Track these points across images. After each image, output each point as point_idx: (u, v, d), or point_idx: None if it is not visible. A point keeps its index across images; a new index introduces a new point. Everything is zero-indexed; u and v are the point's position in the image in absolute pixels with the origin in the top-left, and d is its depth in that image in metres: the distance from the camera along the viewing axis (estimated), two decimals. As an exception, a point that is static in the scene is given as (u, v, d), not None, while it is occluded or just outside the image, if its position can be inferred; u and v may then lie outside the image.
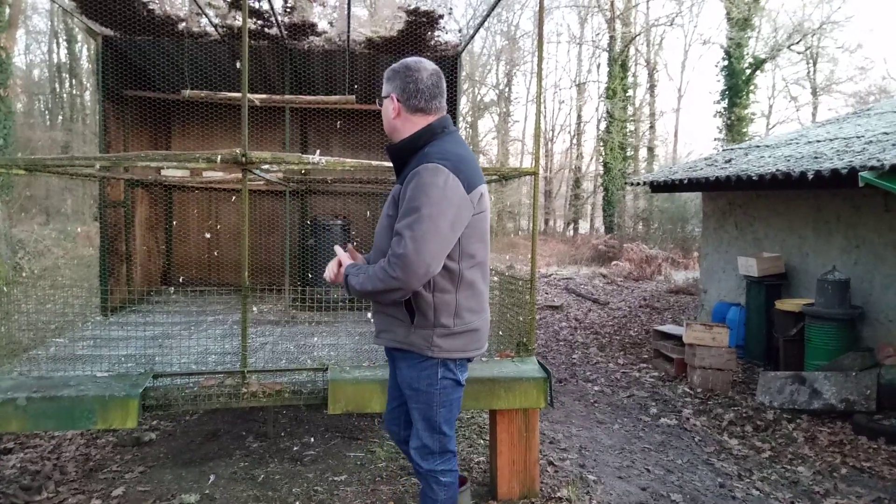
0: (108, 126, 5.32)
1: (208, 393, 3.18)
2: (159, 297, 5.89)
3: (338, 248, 2.52)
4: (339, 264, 2.47)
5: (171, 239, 6.70)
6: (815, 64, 24.55)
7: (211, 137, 6.53)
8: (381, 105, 2.50)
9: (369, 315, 4.81)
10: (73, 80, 22.74)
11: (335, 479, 3.80)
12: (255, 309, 5.30)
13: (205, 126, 6.49)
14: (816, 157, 6.08)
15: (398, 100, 2.40)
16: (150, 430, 4.59)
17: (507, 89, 28.29)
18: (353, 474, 3.87)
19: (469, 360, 2.51)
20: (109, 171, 4.98)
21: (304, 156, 3.10)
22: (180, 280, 6.53)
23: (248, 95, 3.28)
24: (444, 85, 2.47)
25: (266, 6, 4.77)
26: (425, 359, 2.38)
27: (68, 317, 5.02)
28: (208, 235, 6.65)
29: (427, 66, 2.41)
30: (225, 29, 5.11)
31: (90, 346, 4.04)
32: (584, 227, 28.25)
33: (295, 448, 4.29)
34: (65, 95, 23.03)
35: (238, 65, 3.69)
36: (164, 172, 5.84)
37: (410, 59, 2.44)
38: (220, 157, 2.92)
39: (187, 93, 4.90)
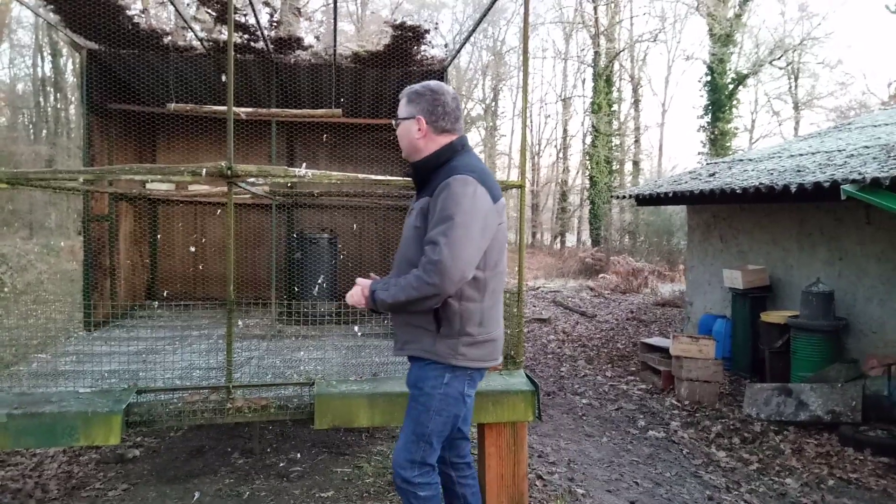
0: (92, 140, 5.28)
1: (193, 408, 3.14)
2: (144, 312, 5.83)
3: (360, 280, 2.57)
4: (361, 289, 2.51)
5: (155, 253, 6.65)
6: (796, 79, 24.93)
7: (196, 151, 6.50)
8: (397, 125, 2.58)
9: (356, 329, 4.80)
10: (58, 94, 22.61)
11: (322, 495, 3.76)
12: (240, 323, 5.25)
13: (190, 140, 6.46)
14: (799, 171, 6.16)
15: (426, 122, 2.50)
16: (133, 446, 4.53)
17: (493, 104, 28.49)
18: (341, 490, 3.83)
19: (483, 372, 2.54)
20: (93, 185, 4.93)
21: (289, 169, 3.09)
22: (164, 295, 6.46)
23: (234, 109, 3.27)
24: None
25: (252, 20, 4.77)
26: (434, 362, 2.43)
27: (51, 332, 4.95)
28: (193, 249, 6.60)
29: (448, 89, 2.57)
30: (211, 43, 5.10)
31: (73, 362, 3.98)
32: (571, 240, 28.37)
33: (281, 464, 4.24)
34: (49, 109, 22.89)
35: (224, 78, 3.68)
36: (148, 186, 5.81)
37: (432, 83, 2.57)
38: (205, 170, 2.90)
39: (172, 106, 4.88)
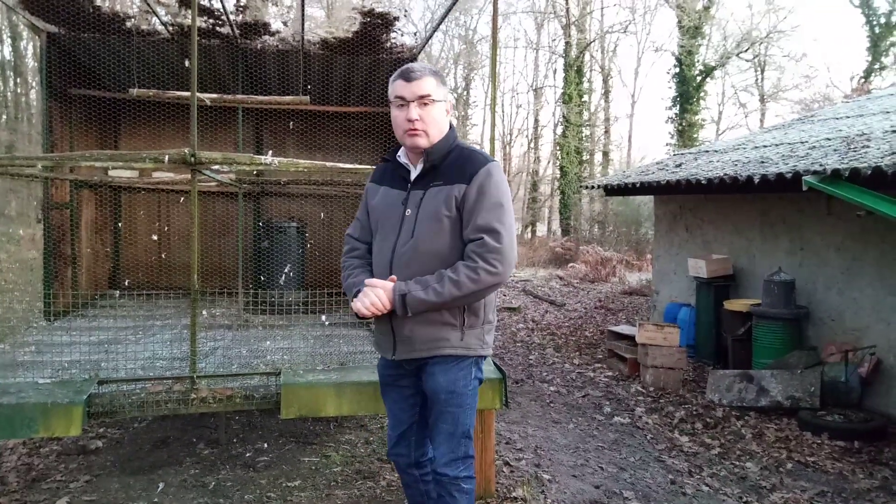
0: (52, 126, 5.15)
1: (156, 399, 3.10)
2: (106, 302, 5.72)
3: (375, 281, 2.31)
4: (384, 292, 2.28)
5: (118, 241, 6.53)
6: (762, 72, 25.32)
7: (160, 138, 6.38)
8: (434, 102, 2.34)
9: (324, 318, 4.77)
10: (18, 79, 21.95)
11: (289, 484, 3.75)
12: (204, 313, 5.19)
13: (154, 126, 6.34)
14: (763, 162, 6.27)
15: (450, 103, 2.45)
16: (96, 437, 4.45)
17: (465, 93, 28.42)
18: (308, 479, 3.82)
19: None
20: (53, 172, 4.82)
21: (255, 156, 3.06)
22: (127, 284, 6.35)
23: (198, 94, 3.22)
24: None
25: (217, 4, 4.69)
26: (460, 359, 2.38)
27: (10, 322, 4.84)
28: (155, 238, 6.49)
29: None
30: (175, 27, 5.00)
31: (33, 353, 3.90)
32: (541, 229, 28.52)
33: (247, 454, 4.22)
34: (9, 94, 22.21)
35: (187, 63, 3.62)
36: (111, 173, 5.69)
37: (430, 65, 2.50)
38: (167, 157, 2.85)
39: (135, 91, 4.79)
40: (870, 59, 18.72)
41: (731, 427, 5.15)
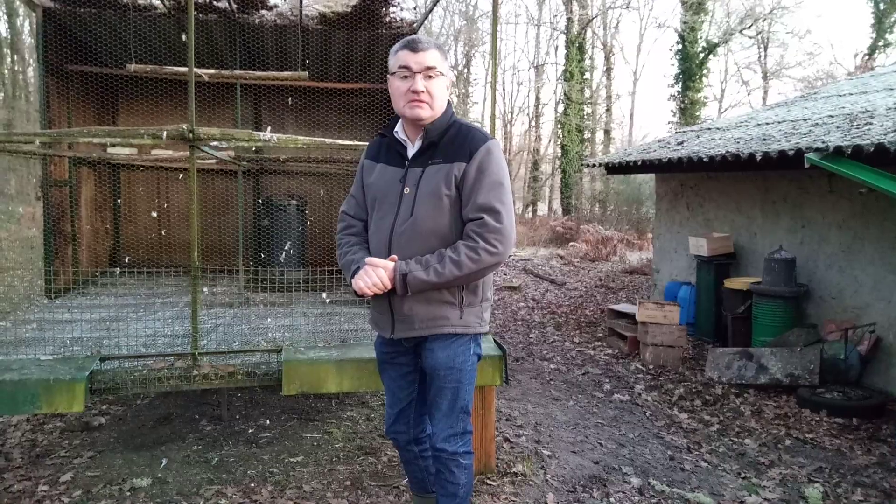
0: (50, 102, 5.11)
1: (158, 375, 3.12)
2: (106, 279, 5.73)
3: (375, 260, 2.28)
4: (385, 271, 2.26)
5: (118, 219, 6.51)
6: (765, 49, 25.12)
7: (159, 114, 6.34)
8: (440, 75, 2.31)
9: (324, 296, 4.78)
10: (15, 56, 21.75)
11: (291, 460, 3.78)
12: (205, 290, 5.19)
13: (153, 102, 6.29)
14: (765, 140, 6.23)
15: (451, 80, 2.42)
16: (99, 414, 4.49)
17: (465, 70, 28.19)
18: (310, 455, 3.85)
19: None
20: (52, 149, 4.79)
21: (254, 133, 3.03)
22: (126, 261, 6.35)
23: (196, 70, 3.18)
24: None
25: (215, -21, 4.63)
26: (459, 336, 2.39)
27: (12, 300, 4.84)
28: (155, 215, 6.47)
29: None
30: (172, 2, 4.94)
31: (34, 330, 3.91)
32: (542, 208, 28.47)
33: (250, 430, 4.25)
34: (6, 72, 22.02)
35: (184, 38, 3.57)
36: (110, 150, 5.66)
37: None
38: (165, 133, 2.83)
39: (132, 67, 4.74)
40: (874, 35, 18.55)
41: (730, 404, 5.18)
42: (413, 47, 2.27)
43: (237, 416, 4.49)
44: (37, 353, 3.22)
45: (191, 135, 2.89)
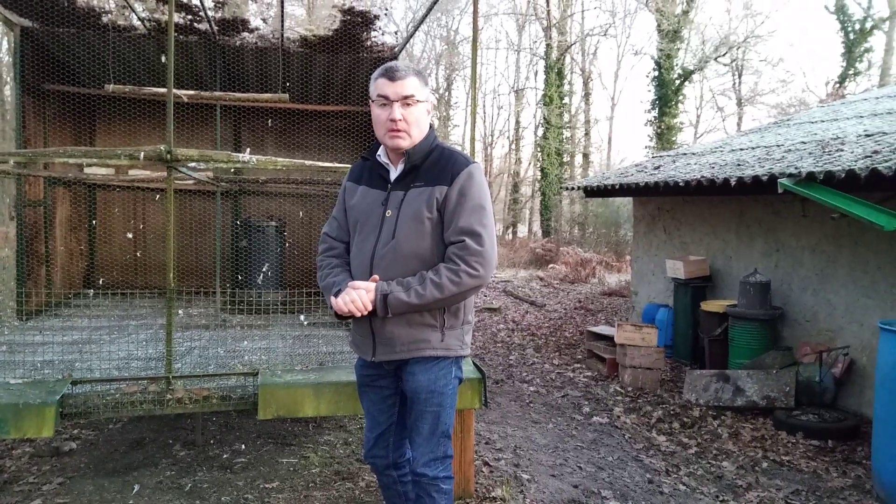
0: (26, 122, 5.05)
1: (131, 399, 3.06)
2: (80, 301, 5.63)
3: (358, 283, 2.27)
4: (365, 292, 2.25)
5: (93, 240, 6.43)
6: (740, 76, 25.61)
7: (137, 135, 6.30)
8: (409, 105, 2.30)
9: (302, 318, 4.74)
10: (-9, 74, 21.54)
11: (266, 486, 3.72)
12: (181, 312, 5.12)
13: (131, 123, 6.25)
14: (739, 165, 6.34)
15: (432, 104, 2.45)
16: (70, 439, 4.38)
17: (447, 94, 28.41)
18: (286, 481, 3.79)
19: None
20: (27, 169, 4.73)
21: (233, 154, 3.03)
22: (101, 283, 6.26)
23: (176, 91, 3.18)
24: None
25: (196, 0, 4.64)
26: (440, 359, 2.37)
27: (-19, 322, 4.73)
28: (130, 236, 6.40)
29: None
30: (152, 23, 4.94)
31: (5, 352, 3.83)
32: (522, 230, 28.60)
33: (224, 455, 4.17)
34: (-19, 90, 21.79)
35: (164, 59, 3.56)
36: (86, 170, 5.60)
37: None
38: (143, 153, 2.81)
39: (111, 87, 4.71)
40: (844, 64, 19.04)
41: (708, 426, 5.20)
42: (391, 76, 2.28)
43: (212, 441, 4.41)
44: (6, 377, 3.14)
45: (168, 156, 2.87)
